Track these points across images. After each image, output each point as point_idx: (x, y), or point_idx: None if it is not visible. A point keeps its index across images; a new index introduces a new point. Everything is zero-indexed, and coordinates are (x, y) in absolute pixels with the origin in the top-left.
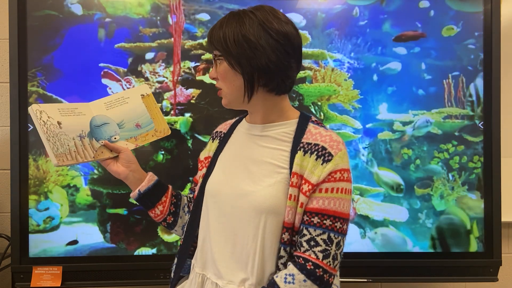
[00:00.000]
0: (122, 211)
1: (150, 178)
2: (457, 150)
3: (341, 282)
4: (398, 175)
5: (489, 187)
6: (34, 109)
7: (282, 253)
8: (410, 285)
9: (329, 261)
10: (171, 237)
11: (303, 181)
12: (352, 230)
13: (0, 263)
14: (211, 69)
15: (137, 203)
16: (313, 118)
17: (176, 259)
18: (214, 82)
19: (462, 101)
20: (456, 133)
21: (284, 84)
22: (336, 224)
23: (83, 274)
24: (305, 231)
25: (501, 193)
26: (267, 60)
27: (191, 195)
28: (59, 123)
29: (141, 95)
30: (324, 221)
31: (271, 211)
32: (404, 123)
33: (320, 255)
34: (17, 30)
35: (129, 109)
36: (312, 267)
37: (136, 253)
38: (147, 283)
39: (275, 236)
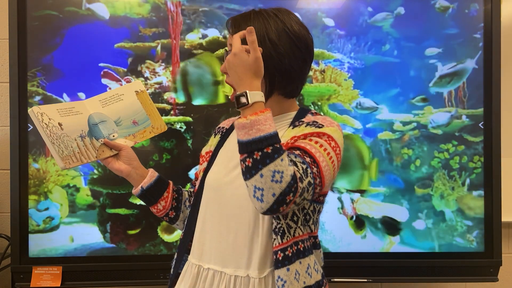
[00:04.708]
0: (122, 211)
1: (151, 175)
2: (457, 150)
3: (341, 282)
4: None
5: (489, 187)
6: (35, 112)
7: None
8: (410, 285)
9: (300, 186)
10: (171, 237)
11: (292, 140)
12: (352, 230)
13: (0, 263)
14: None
15: (140, 199)
16: (313, 111)
17: (176, 255)
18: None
19: (462, 101)
20: (456, 133)
21: (297, 90)
22: (313, 166)
23: (83, 274)
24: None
25: (501, 193)
26: (289, 65)
27: (191, 189)
28: (60, 124)
29: (135, 91)
30: (305, 157)
31: None
32: (404, 123)
33: (297, 175)
34: (17, 30)
35: (125, 106)
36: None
37: (136, 253)
38: (147, 283)
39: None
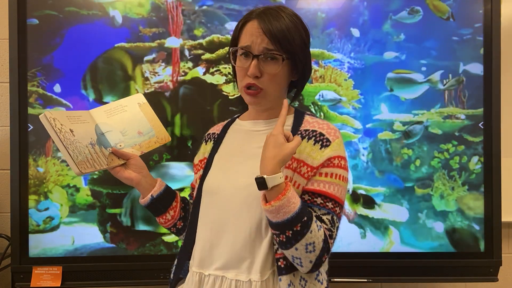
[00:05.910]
0: (122, 211)
1: (160, 183)
2: (457, 150)
3: (341, 282)
4: None
5: (489, 187)
6: (48, 116)
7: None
8: (410, 285)
9: (331, 242)
10: (171, 237)
11: (302, 164)
12: (352, 230)
13: (0, 263)
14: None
15: (148, 209)
16: (308, 112)
17: (176, 260)
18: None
19: (462, 101)
20: (456, 133)
21: None
22: (336, 208)
23: (83, 274)
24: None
25: (501, 193)
26: (310, 65)
27: (191, 201)
28: (71, 130)
29: (138, 103)
30: (327, 203)
31: None
32: (404, 123)
33: (327, 233)
34: (17, 30)
35: (129, 117)
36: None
37: (136, 253)
38: (147, 283)
39: None
